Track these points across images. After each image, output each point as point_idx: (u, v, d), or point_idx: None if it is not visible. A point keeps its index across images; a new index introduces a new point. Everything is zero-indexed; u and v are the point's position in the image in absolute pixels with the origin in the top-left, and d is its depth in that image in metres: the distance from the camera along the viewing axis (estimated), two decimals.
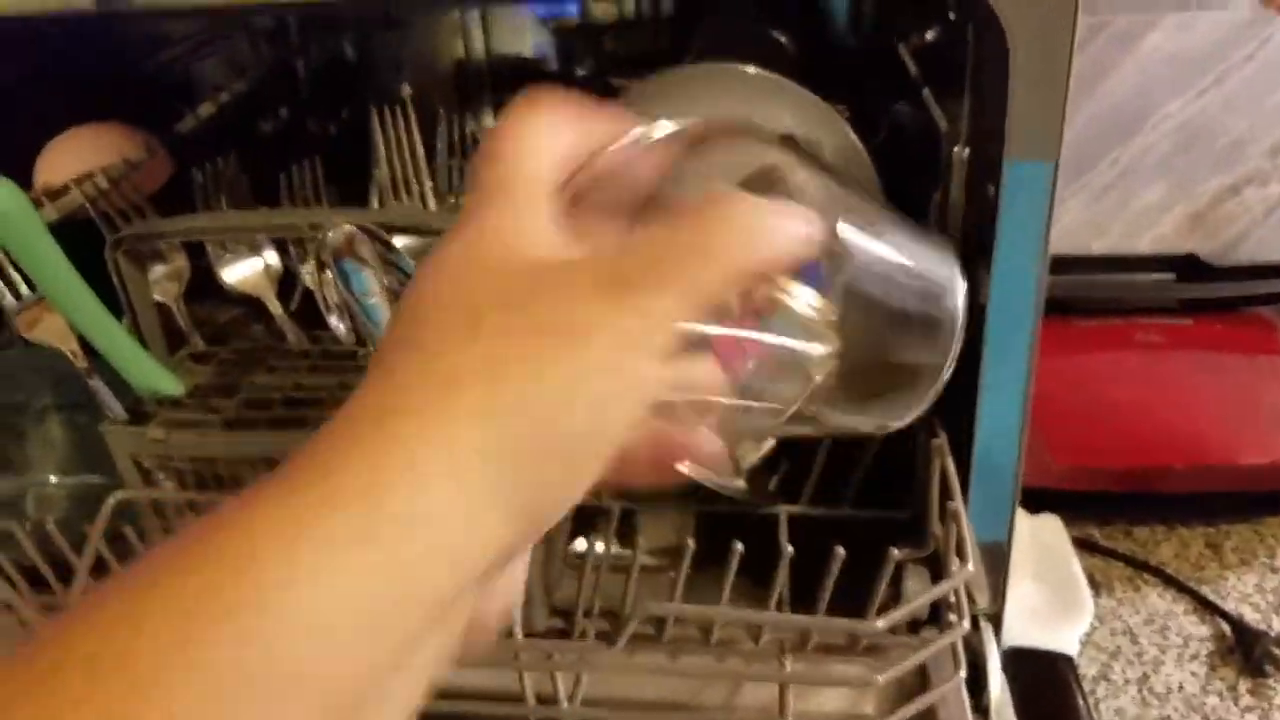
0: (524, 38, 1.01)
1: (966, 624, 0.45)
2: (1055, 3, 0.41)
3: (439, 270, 0.26)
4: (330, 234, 0.45)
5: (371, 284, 0.47)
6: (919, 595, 0.52)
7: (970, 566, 0.45)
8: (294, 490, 0.22)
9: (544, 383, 0.24)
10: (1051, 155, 0.44)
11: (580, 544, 0.60)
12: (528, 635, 0.52)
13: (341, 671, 0.21)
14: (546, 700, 0.50)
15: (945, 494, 0.51)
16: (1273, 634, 0.68)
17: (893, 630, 0.50)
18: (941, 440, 0.52)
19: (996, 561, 0.55)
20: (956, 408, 0.53)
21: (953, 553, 0.47)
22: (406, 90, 1.03)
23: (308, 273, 0.58)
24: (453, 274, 0.26)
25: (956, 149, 0.52)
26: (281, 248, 0.60)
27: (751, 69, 0.71)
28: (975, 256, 0.50)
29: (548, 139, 0.28)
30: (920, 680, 0.50)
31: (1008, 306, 0.48)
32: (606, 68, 1.03)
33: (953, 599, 0.47)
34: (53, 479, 0.58)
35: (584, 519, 0.61)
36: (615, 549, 0.61)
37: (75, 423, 0.60)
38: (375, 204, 0.60)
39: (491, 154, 0.28)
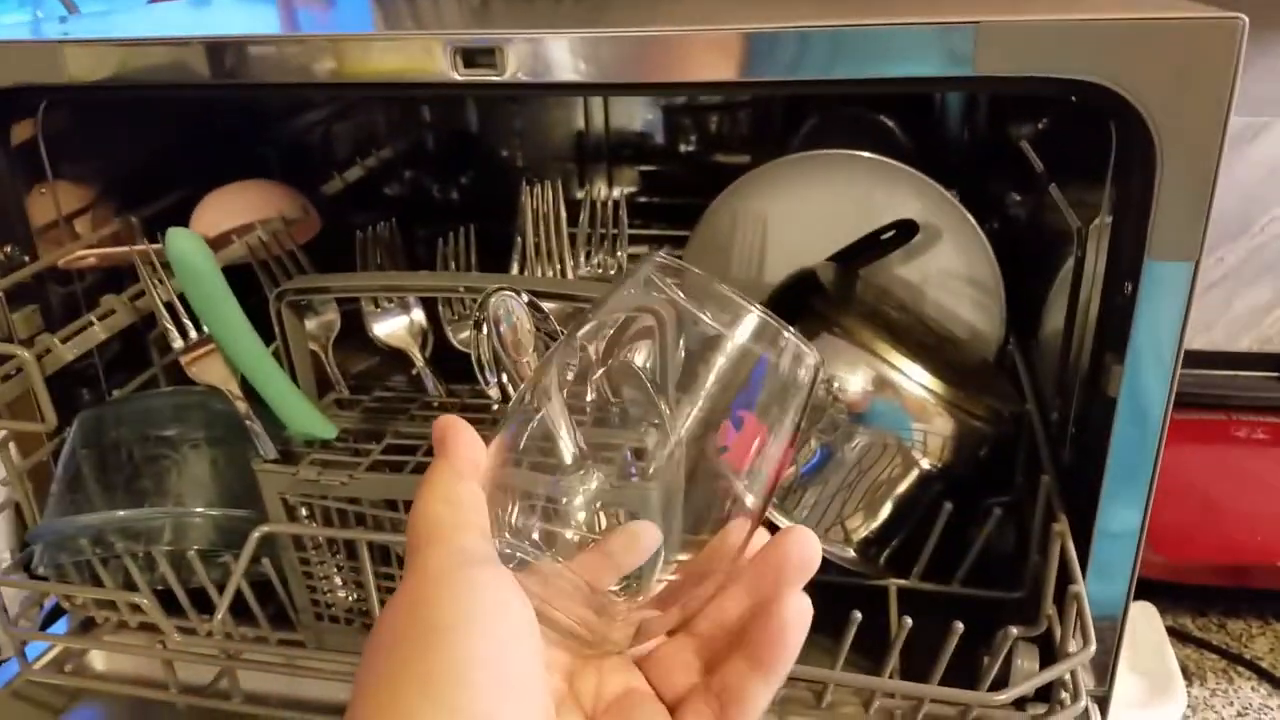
0: (635, 114, 1.06)
1: (1083, 704, 0.46)
2: (1207, 112, 0.42)
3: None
4: (494, 298, 0.48)
5: (525, 345, 0.50)
6: (1029, 672, 0.52)
7: (1092, 648, 0.46)
8: None
9: None
10: (1193, 254, 0.45)
11: None
12: None
13: None
14: None
15: (1064, 577, 0.52)
16: None
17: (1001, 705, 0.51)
18: (1063, 525, 0.53)
19: (1107, 645, 0.56)
20: (1079, 494, 0.54)
21: (1070, 634, 0.48)
22: (522, 161, 1.09)
23: (451, 330, 0.61)
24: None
25: (1090, 242, 0.54)
26: (426, 306, 0.63)
27: (868, 154, 0.74)
28: (1106, 350, 0.51)
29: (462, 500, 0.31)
30: None
31: (1139, 401, 0.50)
32: (712, 146, 1.08)
33: (1068, 679, 0.48)
34: (198, 510, 0.62)
35: None
36: None
37: (217, 459, 0.63)
38: (516, 269, 0.64)
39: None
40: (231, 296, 0.53)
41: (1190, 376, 1.00)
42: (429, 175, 1.09)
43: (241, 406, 0.57)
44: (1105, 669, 0.57)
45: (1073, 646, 0.50)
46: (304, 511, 0.58)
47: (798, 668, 0.54)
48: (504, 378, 0.53)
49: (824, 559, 0.60)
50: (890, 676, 0.54)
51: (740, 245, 0.80)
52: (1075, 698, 0.47)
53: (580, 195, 0.82)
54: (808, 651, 0.54)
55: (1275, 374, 1.00)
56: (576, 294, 0.52)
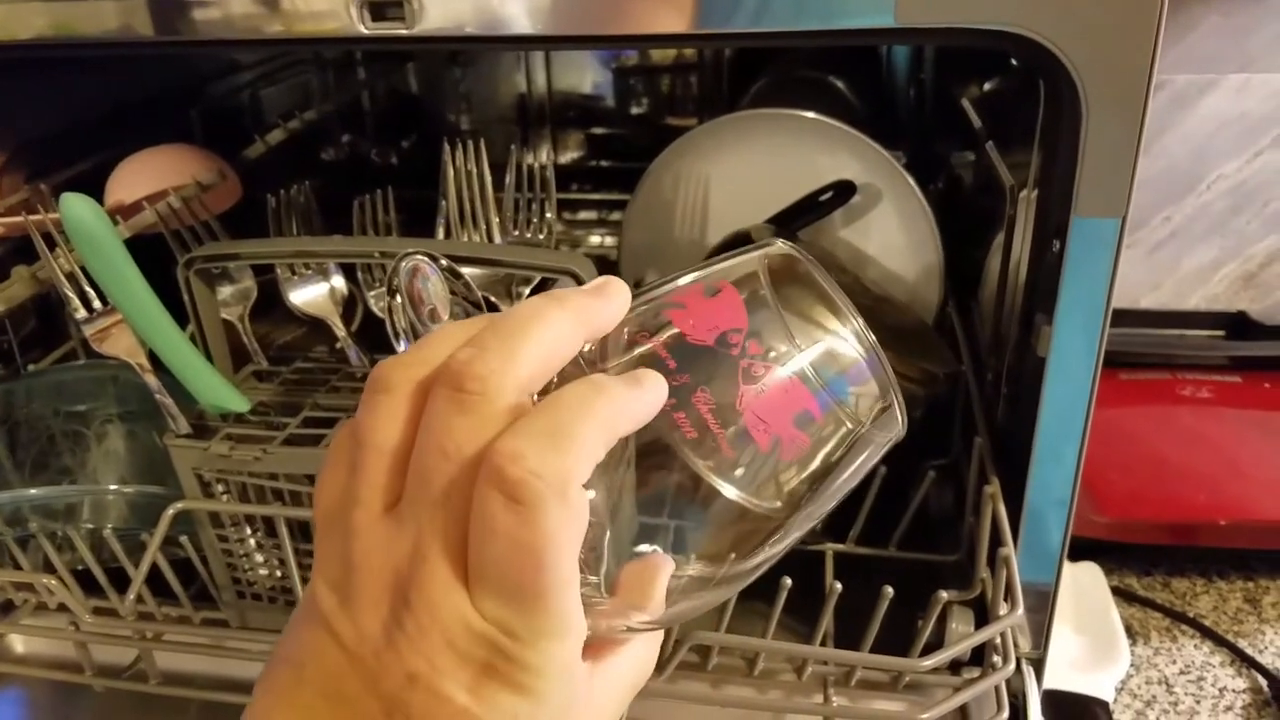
0: (584, 76, 1.04)
1: (1012, 666, 0.45)
2: (1131, 62, 0.41)
3: None
4: (404, 262, 0.46)
5: (440, 313, 0.49)
6: (962, 635, 0.52)
7: (1020, 611, 0.45)
8: None
9: None
10: (1119, 210, 0.44)
11: None
12: None
13: None
14: None
15: (996, 539, 0.51)
16: None
17: (935, 669, 0.51)
18: (995, 487, 0.53)
19: (1042, 607, 0.55)
20: (1011, 456, 0.53)
21: (1001, 597, 0.47)
22: (466, 124, 1.06)
23: (374, 298, 0.59)
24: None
25: (1022, 202, 0.53)
26: (348, 272, 0.61)
27: (811, 114, 0.73)
28: (1036, 310, 0.50)
29: None
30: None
31: (1069, 360, 0.49)
32: (663, 108, 1.06)
33: (998, 642, 0.47)
34: (112, 487, 0.60)
35: None
36: None
37: (134, 434, 0.61)
38: (441, 234, 0.62)
39: None
40: (133, 265, 0.51)
41: (1137, 336, 1.01)
42: (368, 139, 1.06)
43: (151, 380, 0.55)
44: (1041, 631, 0.56)
45: (1003, 610, 0.50)
46: (220, 488, 0.56)
47: (729, 637, 0.53)
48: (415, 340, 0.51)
49: None
50: (823, 642, 0.53)
51: (683, 206, 0.78)
52: (1005, 660, 0.47)
53: (529, 160, 0.81)
54: (743, 616, 0.54)
55: (1222, 333, 1.00)
56: (497, 259, 0.50)
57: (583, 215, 1.05)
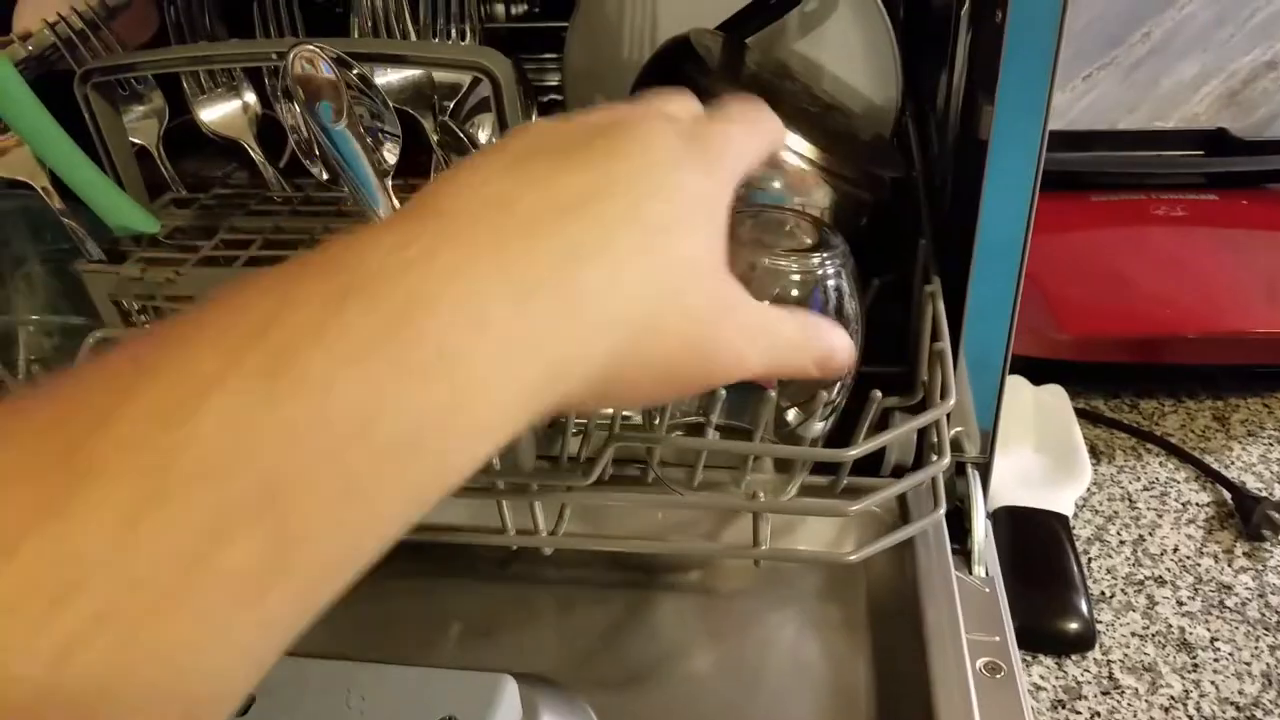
0: None
1: (946, 460, 0.44)
2: None
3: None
4: (291, 55, 0.43)
5: (337, 109, 0.46)
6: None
7: (952, 401, 0.44)
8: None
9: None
10: None
11: None
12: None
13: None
14: (526, 533, 0.50)
15: (935, 338, 0.49)
16: (1273, 499, 0.67)
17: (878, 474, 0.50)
18: (935, 285, 0.51)
19: (987, 411, 0.54)
20: (955, 255, 0.51)
21: (937, 394, 0.46)
22: None
23: (281, 108, 0.56)
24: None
25: None
26: (263, 98, 0.58)
27: None
28: (978, 90, 0.47)
29: None
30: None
31: (1010, 142, 0.46)
32: None
33: (935, 439, 0.46)
34: (33, 317, 0.58)
35: None
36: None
37: (56, 264, 0.59)
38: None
39: None
40: (15, 74, 0.48)
41: (1111, 158, 0.97)
42: None
43: (56, 204, 0.52)
44: (987, 436, 0.55)
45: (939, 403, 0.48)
46: (143, 316, 0.54)
47: (665, 436, 0.52)
48: (317, 150, 0.48)
49: None
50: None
51: (630, 22, 0.74)
52: (941, 455, 0.45)
53: None
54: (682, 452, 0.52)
55: (1200, 151, 0.97)
56: (399, 54, 0.47)
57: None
